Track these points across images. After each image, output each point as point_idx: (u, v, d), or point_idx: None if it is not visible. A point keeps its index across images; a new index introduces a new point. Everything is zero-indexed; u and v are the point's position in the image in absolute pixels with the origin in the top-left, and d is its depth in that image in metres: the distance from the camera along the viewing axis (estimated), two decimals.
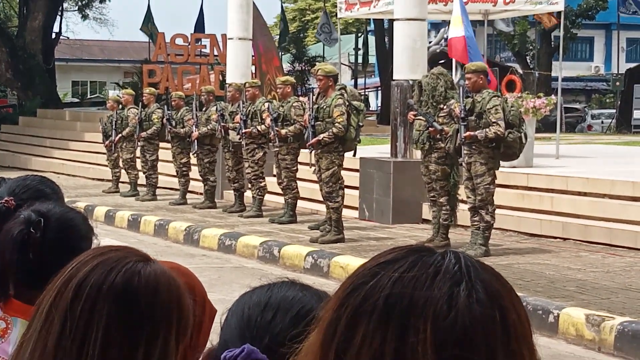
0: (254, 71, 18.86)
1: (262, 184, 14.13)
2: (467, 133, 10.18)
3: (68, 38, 39.36)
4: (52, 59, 32.50)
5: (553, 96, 14.85)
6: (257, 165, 14.06)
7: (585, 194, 11.99)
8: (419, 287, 1.09)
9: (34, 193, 2.69)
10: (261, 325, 1.50)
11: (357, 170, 13.66)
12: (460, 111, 10.24)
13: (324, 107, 11.69)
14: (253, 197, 14.24)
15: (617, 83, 35.24)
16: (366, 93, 42.61)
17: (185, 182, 16.22)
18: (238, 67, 16.87)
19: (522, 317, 1.12)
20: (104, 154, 18.69)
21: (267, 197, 14.48)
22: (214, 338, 1.71)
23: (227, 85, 16.10)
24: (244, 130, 13.89)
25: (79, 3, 36.74)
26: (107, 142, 17.84)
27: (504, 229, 11.94)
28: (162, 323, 1.52)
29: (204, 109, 15.60)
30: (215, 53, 24.60)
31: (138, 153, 17.31)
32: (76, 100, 42.70)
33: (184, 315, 1.56)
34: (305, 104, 12.68)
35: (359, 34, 41.87)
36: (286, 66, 30.81)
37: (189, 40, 24.81)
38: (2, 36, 31.09)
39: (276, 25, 36.06)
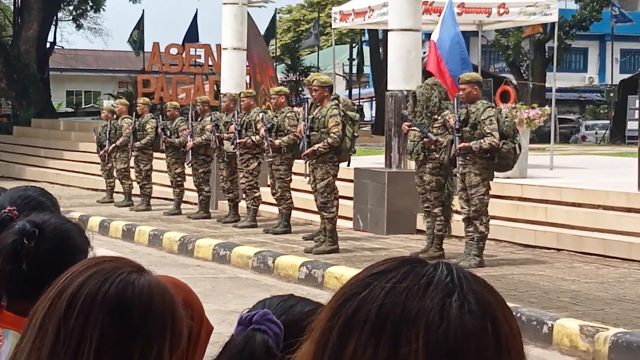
0: (248, 81, 18.87)
1: (257, 194, 14.13)
2: (462, 144, 10.19)
3: (62, 48, 39.34)
4: (47, 69, 32.49)
5: (547, 107, 14.89)
6: (252, 175, 14.06)
7: (579, 205, 12.01)
8: (411, 297, 1.10)
9: (36, 204, 2.69)
10: (282, 306, 1.56)
11: (351, 181, 13.66)
12: (455, 122, 10.25)
13: (319, 117, 11.70)
14: (247, 207, 14.24)
15: (611, 94, 35.32)
16: (361, 103, 42.65)
17: (180, 192, 16.21)
18: (232, 77, 16.89)
19: (513, 329, 1.12)
20: (98, 163, 18.69)
21: (261, 207, 14.48)
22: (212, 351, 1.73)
23: (221, 95, 16.12)
24: (238, 141, 13.89)
25: (74, 13, 36.74)
26: (101, 152, 17.84)
27: (498, 240, 11.95)
28: (155, 334, 1.52)
29: (199, 119, 15.61)
30: (210, 63, 24.65)
31: (132, 163, 17.30)
32: (70, 110, 42.67)
33: (177, 326, 1.56)
34: (299, 114, 12.69)
35: (354, 45, 41.93)
36: (280, 76, 30.83)
37: (184, 50, 24.85)
38: None
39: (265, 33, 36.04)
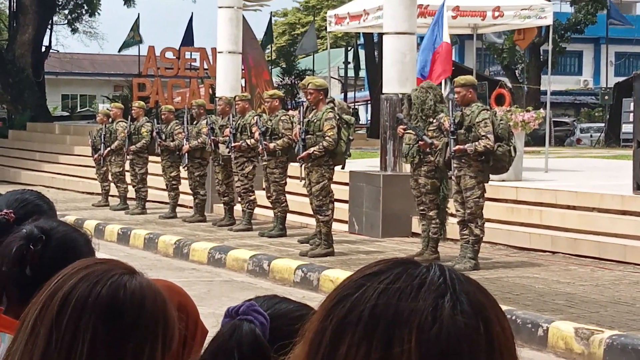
0: (243, 85, 18.89)
1: (252, 198, 14.12)
2: (457, 147, 10.20)
3: (58, 51, 39.36)
4: (42, 73, 32.48)
5: (542, 110, 14.90)
6: (247, 178, 14.06)
7: (574, 208, 12.02)
8: (404, 298, 1.10)
9: (33, 208, 2.68)
10: (267, 303, 1.58)
11: (346, 184, 13.66)
12: (450, 125, 10.26)
13: (315, 120, 11.70)
14: (243, 210, 14.24)
15: (606, 97, 35.38)
16: (356, 107, 42.67)
17: (175, 195, 16.21)
18: (228, 81, 16.89)
19: (505, 329, 1.13)
20: (93, 167, 18.67)
21: (256, 210, 14.48)
22: None
23: (217, 99, 16.12)
24: (233, 144, 13.89)
25: (69, 17, 36.72)
26: (96, 156, 17.82)
27: (493, 243, 11.95)
28: (147, 336, 1.52)
29: (194, 122, 15.61)
30: (205, 66, 24.65)
31: (127, 166, 17.29)
32: (66, 113, 42.68)
33: (169, 328, 1.56)
34: (294, 117, 12.70)
35: (349, 48, 41.97)
36: (276, 80, 30.85)
37: (179, 53, 24.86)
38: None
39: (262, 39, 36.09)
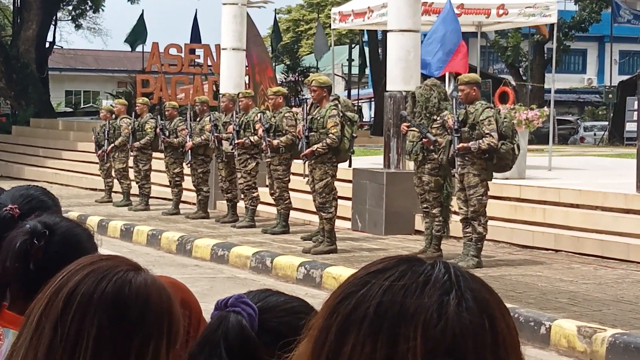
0: (247, 81, 18.87)
1: (255, 195, 14.13)
2: (461, 145, 10.19)
3: (62, 47, 39.34)
4: (46, 69, 32.48)
5: (546, 108, 14.89)
6: (250, 175, 14.06)
7: (577, 206, 12.01)
8: (409, 295, 1.10)
9: (37, 203, 2.69)
10: (259, 296, 1.58)
11: (350, 181, 13.66)
12: (454, 122, 10.25)
13: (318, 117, 11.70)
14: (246, 207, 14.24)
15: (610, 95, 35.33)
16: (360, 104, 42.66)
17: (178, 192, 16.21)
18: (231, 78, 16.88)
19: (510, 326, 1.13)
20: (97, 163, 18.68)
21: (260, 207, 14.48)
22: None
23: (220, 96, 16.11)
24: (236, 141, 13.89)
25: (73, 13, 36.73)
26: (99, 152, 17.83)
27: (496, 241, 11.95)
28: (152, 332, 1.52)
29: (198, 119, 15.61)
30: (209, 63, 24.64)
31: (131, 163, 17.30)
32: (69, 109, 42.67)
33: (174, 324, 1.56)
34: (298, 114, 12.69)
35: (353, 45, 41.94)
36: (280, 77, 30.83)
37: (183, 50, 24.84)
38: None
39: (269, 36, 36.10)
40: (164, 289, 1.57)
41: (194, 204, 16.01)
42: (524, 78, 37.87)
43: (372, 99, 40.24)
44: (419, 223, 12.24)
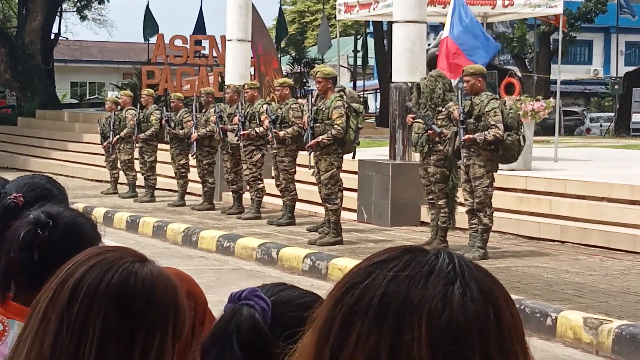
0: (252, 73, 18.87)
1: (261, 186, 14.13)
2: (466, 136, 10.18)
3: (67, 39, 39.37)
4: (51, 60, 32.50)
5: (552, 99, 14.85)
6: (256, 167, 14.06)
7: (583, 197, 11.99)
8: (413, 285, 1.10)
9: (42, 192, 2.68)
10: (272, 289, 1.58)
11: (355, 173, 13.66)
12: (459, 114, 10.24)
13: (323, 109, 11.69)
14: (251, 198, 14.24)
15: (616, 86, 35.27)
16: (365, 95, 42.62)
17: (184, 183, 16.22)
18: (237, 69, 16.87)
19: (515, 316, 1.13)
20: (102, 155, 18.69)
21: (265, 199, 14.48)
22: None
23: (225, 87, 16.11)
24: (242, 132, 13.89)
25: (78, 4, 36.74)
26: (105, 144, 17.84)
27: (502, 232, 11.94)
28: (158, 323, 1.53)
29: (203, 110, 15.60)
30: (214, 54, 24.63)
31: (136, 154, 17.31)
32: (75, 101, 42.70)
33: (180, 315, 1.56)
34: (304, 105, 12.69)
35: (358, 36, 41.89)
36: (285, 68, 30.82)
37: (188, 41, 24.84)
38: (1, 37, 31.10)
39: (275, 27, 36.06)
40: (169, 280, 1.57)
41: (199, 195, 16.02)
42: (529, 69, 37.82)
43: (378, 90, 40.19)
44: (425, 214, 12.24)
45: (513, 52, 38.95)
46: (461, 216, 11.06)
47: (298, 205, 13.70)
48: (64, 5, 35.15)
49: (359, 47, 40.09)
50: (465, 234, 11.11)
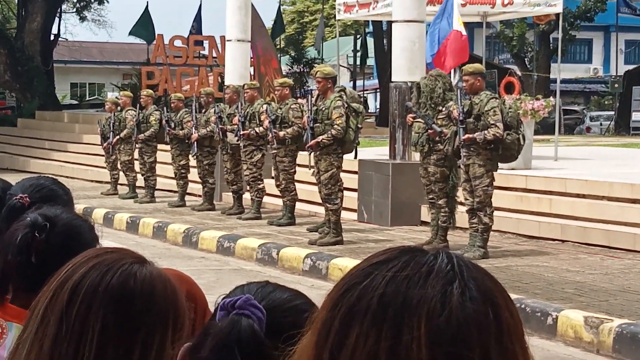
0: (252, 73, 18.87)
1: (261, 186, 14.13)
2: (466, 135, 10.18)
3: (67, 40, 39.36)
4: (51, 61, 32.49)
5: (552, 98, 14.86)
6: (256, 167, 14.06)
7: (583, 196, 11.99)
8: (412, 286, 1.10)
9: (48, 193, 2.69)
10: (261, 292, 1.57)
11: (355, 173, 13.66)
12: (459, 113, 10.24)
13: (323, 109, 11.69)
14: (252, 199, 14.24)
15: (616, 85, 35.26)
16: (365, 95, 42.62)
17: (184, 184, 16.22)
18: (236, 69, 16.87)
19: (514, 315, 1.13)
20: (102, 156, 18.69)
21: (265, 199, 14.48)
22: None
23: (225, 87, 16.11)
24: (242, 132, 13.89)
25: (77, 5, 36.74)
26: (105, 144, 17.84)
27: (502, 231, 11.94)
28: (158, 325, 1.52)
29: (203, 110, 15.60)
30: (214, 55, 24.63)
31: (136, 155, 17.31)
32: (75, 102, 42.70)
33: (180, 316, 1.56)
34: (303, 105, 12.69)
35: (358, 36, 41.90)
36: (285, 68, 30.82)
37: (188, 42, 24.84)
38: (1, 38, 31.10)
39: (272, 27, 36.09)
40: (169, 281, 1.57)
41: (199, 196, 16.02)
42: (529, 68, 37.81)
43: (378, 90, 40.20)
44: (425, 214, 12.24)
45: (513, 51, 38.94)
46: (461, 215, 11.06)
47: (298, 205, 13.70)
48: (64, 6, 35.14)
49: (358, 47, 40.09)
50: (465, 233, 11.11)
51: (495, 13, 18.04)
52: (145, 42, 29.38)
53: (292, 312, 1.55)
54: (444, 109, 10.73)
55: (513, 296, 1.19)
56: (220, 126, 14.52)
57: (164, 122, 16.22)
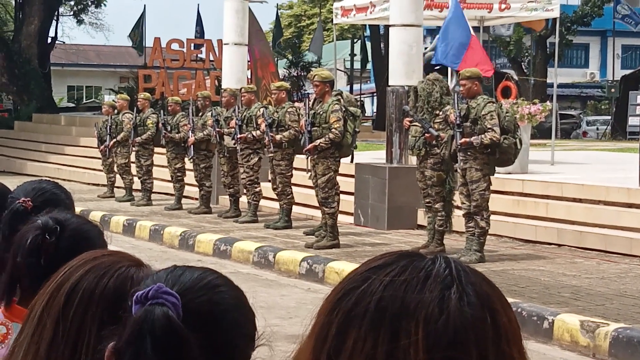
0: (249, 76, 18.86)
1: (257, 189, 14.13)
2: (463, 139, 10.19)
3: (64, 43, 39.34)
4: (48, 64, 32.48)
5: (548, 102, 14.87)
6: (252, 170, 14.06)
7: (580, 201, 12.00)
8: (410, 290, 1.10)
9: (50, 196, 2.70)
10: (171, 277, 1.53)
11: (352, 176, 13.66)
12: (456, 117, 10.25)
13: (321, 112, 11.70)
14: (248, 202, 14.24)
15: (612, 90, 35.30)
16: (362, 99, 42.62)
17: (180, 187, 16.21)
18: (234, 73, 16.88)
19: (512, 320, 1.13)
20: (99, 158, 18.69)
21: (262, 202, 14.48)
22: None
23: (222, 91, 16.11)
24: (239, 136, 13.89)
25: (75, 8, 36.72)
26: (101, 147, 17.83)
27: (499, 235, 11.94)
28: None
29: (200, 114, 15.60)
30: (211, 58, 24.63)
31: (133, 158, 17.30)
32: (72, 105, 42.69)
33: None
34: (300, 109, 12.69)
35: (355, 40, 41.91)
36: (282, 72, 30.82)
37: (185, 45, 24.84)
38: None
39: (271, 31, 36.11)
40: None
41: (196, 199, 16.01)
42: (526, 72, 37.85)
43: (375, 94, 40.20)
44: (422, 218, 12.24)
45: (510, 56, 38.97)
46: (458, 219, 11.06)
47: (295, 208, 13.70)
48: (61, 9, 35.11)
49: (355, 51, 40.09)
50: (462, 237, 11.11)
51: (492, 18, 18.06)
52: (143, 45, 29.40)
53: (206, 290, 1.53)
54: (441, 113, 10.74)
55: (509, 300, 1.19)
56: (217, 129, 14.52)
57: (160, 125, 16.21)
